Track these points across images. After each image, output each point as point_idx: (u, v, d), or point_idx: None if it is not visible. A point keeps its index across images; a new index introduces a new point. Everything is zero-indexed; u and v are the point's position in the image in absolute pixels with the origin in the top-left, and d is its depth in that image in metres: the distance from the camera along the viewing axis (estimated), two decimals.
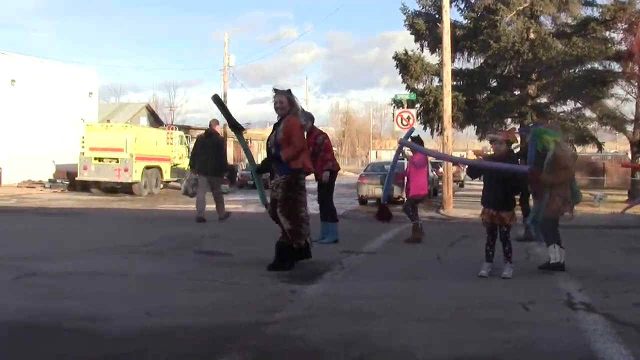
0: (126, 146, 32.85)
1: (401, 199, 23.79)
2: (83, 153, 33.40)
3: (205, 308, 7.07)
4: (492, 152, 9.91)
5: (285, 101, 9.69)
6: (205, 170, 17.38)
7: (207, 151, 17.34)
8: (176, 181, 38.70)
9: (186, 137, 41.33)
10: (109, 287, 8.20)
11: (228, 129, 11.83)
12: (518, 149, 14.39)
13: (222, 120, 11.26)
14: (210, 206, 17.77)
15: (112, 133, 33.58)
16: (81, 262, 10.14)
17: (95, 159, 33.01)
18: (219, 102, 10.48)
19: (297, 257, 9.74)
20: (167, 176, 36.92)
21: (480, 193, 9.76)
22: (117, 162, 32.71)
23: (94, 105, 45.00)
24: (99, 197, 31.45)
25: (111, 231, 15.76)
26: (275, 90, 9.98)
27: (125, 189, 33.77)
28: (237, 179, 46.88)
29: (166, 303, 7.31)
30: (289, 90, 9.94)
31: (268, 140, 9.95)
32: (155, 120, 59.49)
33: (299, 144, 9.52)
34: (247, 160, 14.13)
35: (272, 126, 10.17)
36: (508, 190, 9.26)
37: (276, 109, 9.78)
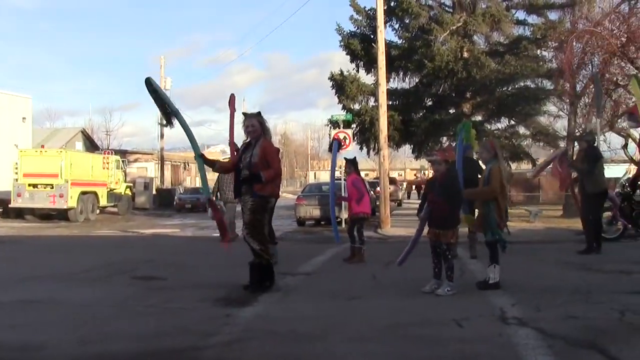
0: (61, 172, 32.45)
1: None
2: (17, 179, 32.88)
3: (140, 334, 6.98)
4: (432, 173, 10.12)
5: (256, 124, 9.72)
6: (226, 198, 18.87)
7: (227, 182, 18.63)
8: (113, 206, 38.29)
9: (122, 161, 40.94)
10: (42, 316, 8.06)
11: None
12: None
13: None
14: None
15: (47, 159, 33.12)
16: (14, 291, 9.93)
17: (29, 185, 32.50)
18: (151, 86, 9.81)
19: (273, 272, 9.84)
20: (103, 201, 36.55)
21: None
22: (52, 188, 32.27)
23: (27, 130, 44.37)
24: (33, 224, 30.95)
25: (45, 259, 15.50)
26: (245, 114, 10.09)
27: (61, 215, 33.34)
28: (175, 203, 46.66)
29: (100, 330, 7.21)
30: (259, 113, 9.95)
31: (239, 162, 9.89)
32: (91, 145, 58.85)
33: (279, 167, 9.68)
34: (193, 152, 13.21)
35: (240, 147, 10.13)
36: (446, 209, 9.39)
37: (248, 132, 9.82)
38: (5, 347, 6.40)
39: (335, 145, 14.51)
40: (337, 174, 16.39)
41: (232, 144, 10.46)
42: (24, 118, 43.74)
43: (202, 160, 9.93)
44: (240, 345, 6.52)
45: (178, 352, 6.26)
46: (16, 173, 33.16)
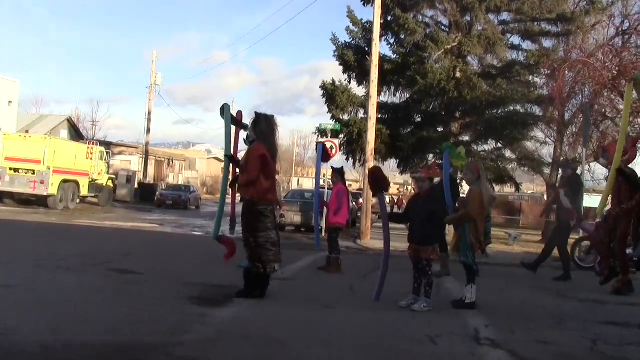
0: (44, 158, 32.26)
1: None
2: None
3: (112, 326, 6.92)
4: (416, 190, 10.08)
5: (251, 125, 9.57)
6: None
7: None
8: (94, 197, 38.11)
9: (106, 152, 40.74)
10: (15, 301, 8.00)
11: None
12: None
13: None
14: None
15: (30, 144, 32.91)
16: None
17: (10, 169, 32.27)
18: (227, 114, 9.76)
19: (267, 282, 9.52)
20: (84, 191, 36.35)
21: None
22: (34, 174, 32.07)
23: (13, 114, 44.05)
24: (12, 209, 30.73)
25: (22, 244, 15.42)
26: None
27: (41, 201, 33.14)
28: (156, 198, 46.61)
29: (72, 319, 7.14)
30: (255, 114, 9.67)
31: None
32: (76, 134, 58.50)
33: (252, 172, 9.17)
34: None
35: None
36: (428, 226, 9.40)
37: None
38: None
39: (320, 149, 14.46)
40: (320, 182, 16.32)
41: (235, 156, 10.18)
42: (10, 102, 43.45)
43: (229, 160, 9.72)
44: (213, 345, 6.48)
45: (149, 347, 6.20)
46: None
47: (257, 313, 8.36)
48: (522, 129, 31.08)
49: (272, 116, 9.70)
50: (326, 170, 24.40)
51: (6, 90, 43.07)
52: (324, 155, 14.74)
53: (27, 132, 37.37)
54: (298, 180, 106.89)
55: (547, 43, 32.52)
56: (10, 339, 6.10)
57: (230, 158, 9.71)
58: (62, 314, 7.39)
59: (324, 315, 8.63)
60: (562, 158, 29.71)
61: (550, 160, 32.32)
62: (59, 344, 6.05)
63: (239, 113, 10.33)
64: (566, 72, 28.18)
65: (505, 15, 32.77)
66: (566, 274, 14.34)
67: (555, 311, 9.96)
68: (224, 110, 9.75)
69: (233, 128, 10.13)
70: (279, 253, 9.53)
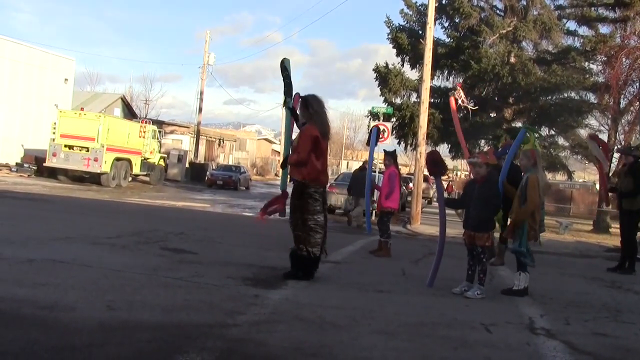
0: (98, 136, 32.65)
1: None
2: (53, 139, 33.10)
3: (167, 306, 6.98)
4: (473, 176, 9.99)
5: (302, 110, 9.55)
6: (359, 193, 21.56)
7: (360, 181, 21.19)
8: (145, 175, 38.45)
9: (159, 131, 41.03)
10: (71, 277, 8.09)
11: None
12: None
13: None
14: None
15: (85, 121, 33.30)
16: (44, 250, 10.02)
17: (65, 146, 32.73)
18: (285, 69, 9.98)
19: (312, 265, 9.48)
20: (136, 169, 36.73)
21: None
22: (87, 151, 32.49)
23: (68, 92, 44.51)
24: (65, 185, 31.18)
25: (76, 221, 15.61)
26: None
27: (93, 178, 33.60)
28: (206, 178, 46.90)
29: (128, 297, 7.21)
30: (308, 96, 9.68)
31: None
32: (129, 112, 58.95)
33: (302, 153, 9.16)
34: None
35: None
36: (484, 212, 9.30)
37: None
38: (36, 305, 6.43)
39: (375, 132, 14.43)
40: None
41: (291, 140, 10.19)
42: (66, 79, 43.88)
43: (291, 112, 9.86)
44: (268, 327, 6.50)
45: (204, 327, 6.24)
46: (54, 133, 33.36)
47: (310, 296, 8.37)
48: (576, 116, 30.77)
49: (316, 95, 9.67)
50: (377, 154, 24.32)
51: (62, 68, 43.51)
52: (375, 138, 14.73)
53: (82, 109, 37.70)
54: (347, 163, 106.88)
55: (604, 29, 32.10)
56: (70, 315, 6.20)
57: (292, 111, 9.86)
58: (117, 292, 7.46)
59: (378, 300, 8.60)
60: (615, 147, 29.27)
61: None
62: (115, 322, 6.12)
63: (297, 95, 10.30)
64: (623, 59, 27.75)
65: (561, 0, 32.38)
66: (622, 265, 14.03)
67: (611, 303, 9.82)
68: (284, 65, 9.84)
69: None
70: (325, 238, 9.51)
